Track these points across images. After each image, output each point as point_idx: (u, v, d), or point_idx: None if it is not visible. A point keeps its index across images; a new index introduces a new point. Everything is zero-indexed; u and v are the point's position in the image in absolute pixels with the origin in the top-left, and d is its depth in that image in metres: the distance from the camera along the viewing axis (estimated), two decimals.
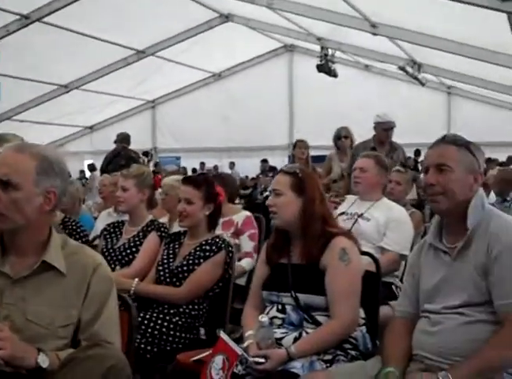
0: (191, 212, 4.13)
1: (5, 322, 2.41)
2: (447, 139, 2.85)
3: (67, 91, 16.41)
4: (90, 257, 2.59)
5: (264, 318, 3.13)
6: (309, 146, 8.89)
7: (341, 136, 8.35)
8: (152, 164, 16.58)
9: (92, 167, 18.26)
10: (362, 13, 10.68)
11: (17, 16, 12.07)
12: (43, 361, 2.33)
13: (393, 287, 4.88)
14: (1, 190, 2.41)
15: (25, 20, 12.10)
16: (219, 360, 3.03)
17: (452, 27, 10.38)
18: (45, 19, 12.22)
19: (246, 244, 5.55)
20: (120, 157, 11.53)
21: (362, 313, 3.33)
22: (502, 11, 7.90)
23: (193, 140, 19.98)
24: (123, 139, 12.00)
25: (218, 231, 4.45)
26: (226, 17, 15.03)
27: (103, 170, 11.34)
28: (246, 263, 5.38)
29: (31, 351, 2.34)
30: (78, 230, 4.98)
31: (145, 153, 14.20)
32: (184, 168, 19.62)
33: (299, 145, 8.90)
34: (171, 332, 3.91)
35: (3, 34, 12.29)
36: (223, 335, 3.12)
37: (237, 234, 5.57)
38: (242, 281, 5.35)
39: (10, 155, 2.47)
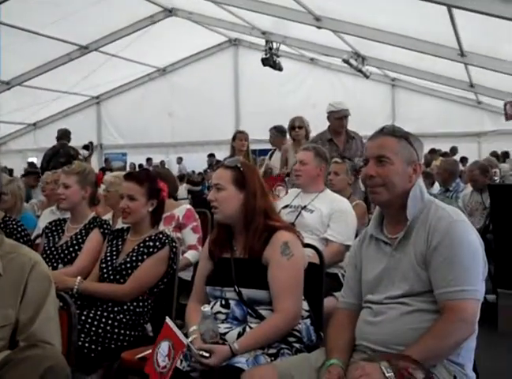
0: (134, 209, 4.08)
1: None
2: (386, 131, 2.87)
3: (9, 88, 16.13)
4: (27, 256, 2.54)
5: (206, 308, 3.11)
6: (249, 137, 8.73)
7: (295, 127, 8.09)
8: (93, 158, 16.39)
9: (32, 165, 17.99)
10: (306, 7, 10.72)
11: None
12: None
13: (339, 277, 4.91)
14: None
15: None
16: (165, 346, 3.01)
17: (395, 20, 10.49)
18: None
19: (190, 237, 5.52)
20: (59, 155, 11.40)
21: (306, 306, 3.34)
22: (443, 4, 8.00)
23: (140, 135, 19.85)
24: (62, 135, 11.87)
25: (160, 227, 4.41)
26: (170, 11, 14.95)
27: (44, 169, 11.19)
28: (191, 255, 5.36)
29: None
30: (19, 228, 4.88)
31: (85, 146, 13.99)
32: (134, 164, 19.48)
33: (239, 137, 8.65)
34: (116, 330, 3.87)
35: None
36: (168, 320, 3.09)
37: (179, 227, 5.54)
38: (187, 276, 5.33)
39: None
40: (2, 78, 15.82)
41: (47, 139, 14.63)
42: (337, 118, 7.38)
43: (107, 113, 20.79)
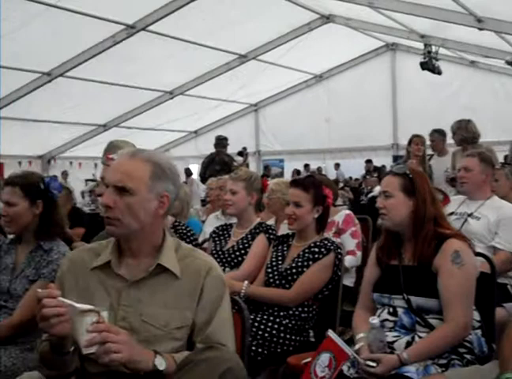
0: (300, 215, 4.12)
1: (123, 323, 2.47)
2: None
3: (172, 98, 16.76)
4: (203, 260, 2.62)
5: (374, 320, 3.09)
6: (425, 142, 8.49)
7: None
8: (251, 164, 16.64)
9: (188, 172, 18.56)
10: (466, 8, 10.42)
11: (123, 27, 12.44)
12: (160, 363, 2.36)
13: (508, 288, 4.75)
14: (117, 196, 2.46)
15: (131, 30, 12.46)
16: (325, 358, 3.03)
17: None
18: (149, 28, 12.55)
19: (349, 242, 5.51)
20: (215, 162, 11.70)
21: (477, 316, 3.25)
22: None
23: (296, 142, 19.94)
24: (219, 143, 12.19)
25: None
26: (327, 18, 14.96)
27: (202, 176, 11.54)
28: (347, 260, 5.32)
29: (148, 354, 2.37)
30: (188, 233, 5.05)
31: (240, 153, 14.35)
32: (296, 170, 19.56)
33: (415, 141, 8.35)
34: (282, 335, 3.92)
35: (110, 44, 12.71)
36: (331, 333, 3.11)
37: (338, 233, 5.54)
38: (351, 282, 5.32)
39: (125, 161, 2.52)
40: (166, 88, 16.48)
41: (207, 146, 15.04)
42: None
43: (265, 120, 21.00)
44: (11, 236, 3.94)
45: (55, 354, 2.41)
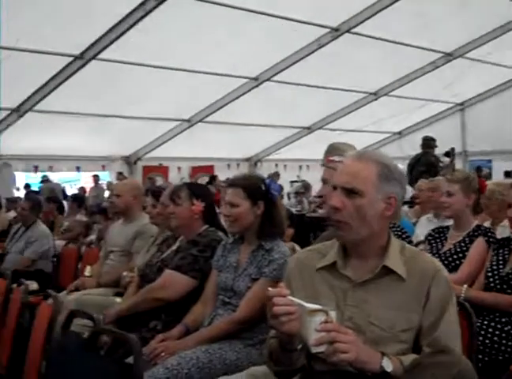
0: None
1: (349, 323, 2.48)
2: None
3: (376, 99, 16.73)
4: (429, 263, 2.58)
5: None
6: None
7: None
8: (458, 165, 16.15)
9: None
10: None
11: (328, 30, 12.62)
12: (387, 365, 2.35)
13: None
14: (345, 198, 2.48)
15: (335, 33, 12.63)
16: None
17: None
18: (353, 30, 12.62)
19: None
20: (420, 163, 11.54)
21: None
22: None
23: (506, 141, 19.10)
24: (425, 143, 12.03)
25: None
26: None
27: (408, 178, 11.41)
28: None
29: (375, 356, 2.37)
30: (403, 235, 4.99)
31: (447, 153, 14.03)
32: (507, 172, 18.78)
33: None
34: (504, 341, 3.79)
35: (315, 47, 12.96)
36: None
37: None
38: None
39: (352, 163, 2.54)
40: (370, 90, 16.49)
41: (412, 147, 14.86)
42: None
43: (472, 119, 20.32)
44: (232, 236, 4.11)
45: (283, 350, 2.47)
